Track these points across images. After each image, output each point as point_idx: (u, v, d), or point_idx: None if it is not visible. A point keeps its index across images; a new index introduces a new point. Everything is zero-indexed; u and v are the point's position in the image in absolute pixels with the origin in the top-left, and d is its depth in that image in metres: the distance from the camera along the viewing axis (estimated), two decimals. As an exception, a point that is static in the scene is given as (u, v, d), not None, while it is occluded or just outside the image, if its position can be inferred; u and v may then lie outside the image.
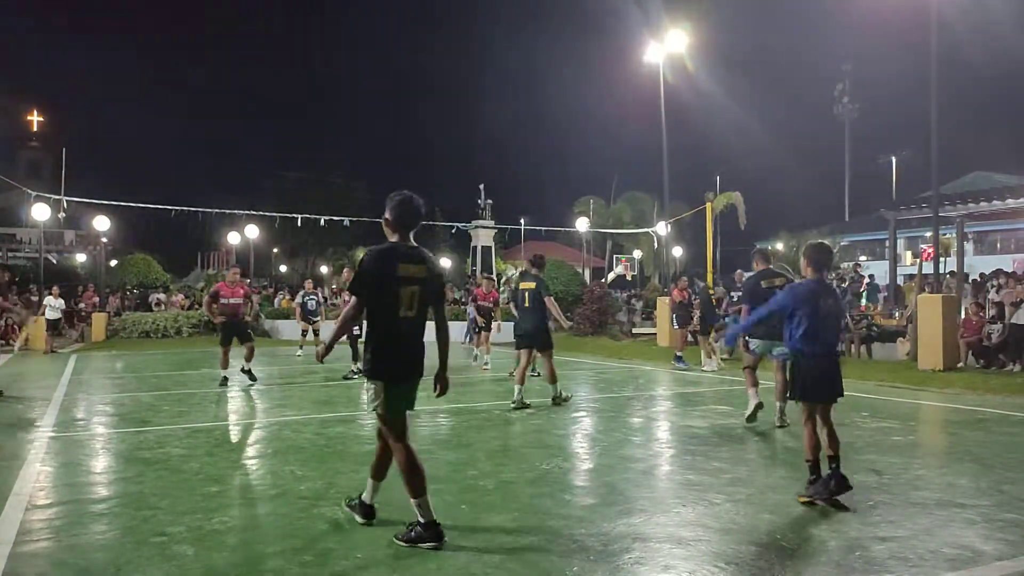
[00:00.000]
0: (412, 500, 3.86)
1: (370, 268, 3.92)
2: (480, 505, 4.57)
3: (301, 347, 16.83)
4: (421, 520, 3.84)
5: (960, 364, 12.44)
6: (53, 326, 19.14)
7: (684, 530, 4.08)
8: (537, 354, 8.99)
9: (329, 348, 4.16)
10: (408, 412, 4.00)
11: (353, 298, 4.00)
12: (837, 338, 4.87)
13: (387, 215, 4.07)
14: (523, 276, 9.16)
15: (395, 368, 3.95)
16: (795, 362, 4.76)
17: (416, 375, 4.01)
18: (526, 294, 8.97)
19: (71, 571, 3.49)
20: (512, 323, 10.01)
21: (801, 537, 3.97)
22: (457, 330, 22.40)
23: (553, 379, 8.84)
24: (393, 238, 4.04)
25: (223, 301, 10.57)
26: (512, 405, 8.52)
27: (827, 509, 4.45)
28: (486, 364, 13.41)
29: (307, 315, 16.57)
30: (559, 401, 8.81)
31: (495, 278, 24.71)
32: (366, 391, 3.97)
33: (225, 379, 10.60)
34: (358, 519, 4.17)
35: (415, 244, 4.10)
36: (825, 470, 4.62)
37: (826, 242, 5.16)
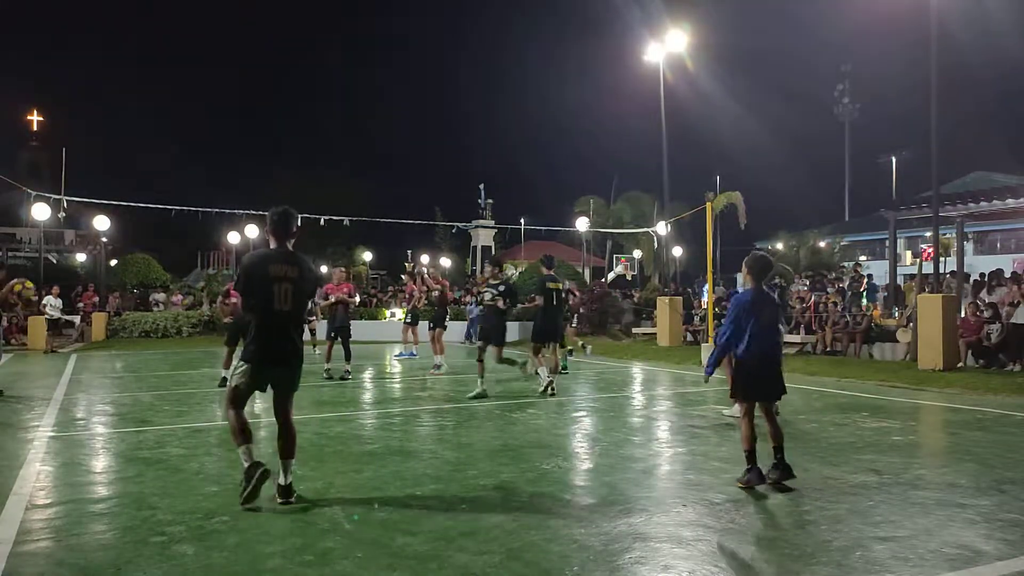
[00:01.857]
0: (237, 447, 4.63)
1: (247, 270, 4.67)
2: (480, 505, 4.57)
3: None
4: (245, 463, 4.54)
5: (960, 364, 12.45)
6: (53, 325, 19.15)
7: (684, 530, 4.08)
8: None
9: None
10: (291, 393, 4.74)
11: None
12: (776, 344, 5.20)
13: (266, 226, 4.87)
14: (550, 278, 10.02)
15: (263, 354, 4.61)
16: (736, 364, 5.14)
17: (282, 364, 4.64)
18: (554, 294, 9.90)
19: (71, 571, 3.49)
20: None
21: (801, 537, 3.97)
22: (459, 329, 22.43)
23: (556, 370, 9.93)
24: (272, 245, 4.77)
25: (232, 301, 10.65)
26: (549, 392, 9.53)
27: (827, 509, 4.46)
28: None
29: None
30: (551, 391, 9.51)
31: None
32: (238, 366, 4.71)
33: (225, 379, 10.60)
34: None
35: (291, 249, 4.80)
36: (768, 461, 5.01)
37: (766, 254, 5.44)
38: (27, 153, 54.36)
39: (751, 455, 5.01)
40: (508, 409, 8.56)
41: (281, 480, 4.59)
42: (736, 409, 7.86)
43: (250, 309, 4.70)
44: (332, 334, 12.05)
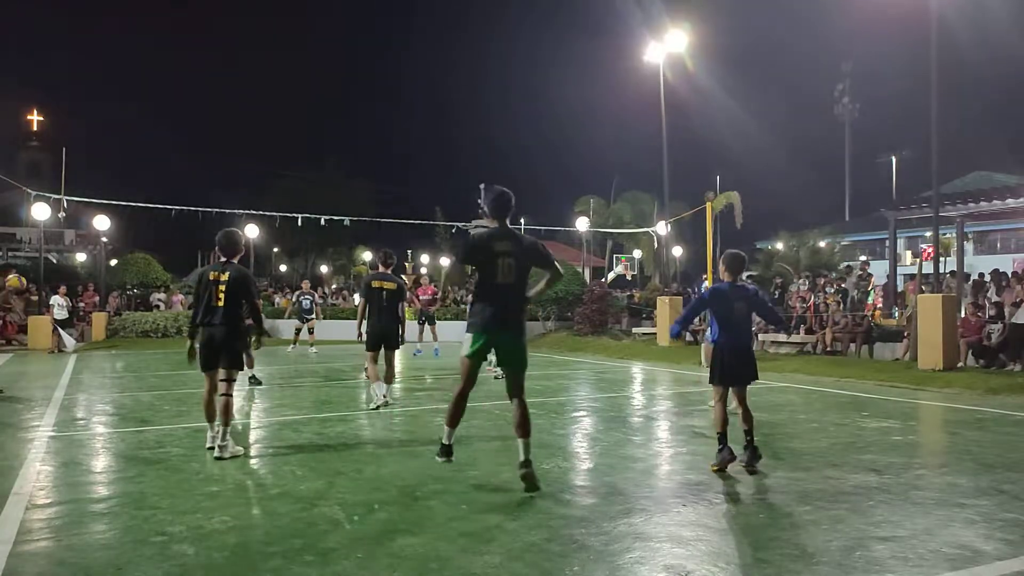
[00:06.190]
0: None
1: (472, 245, 5.05)
2: (480, 505, 4.56)
3: (296, 344, 17.11)
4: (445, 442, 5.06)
5: (960, 364, 12.44)
6: (61, 326, 19.18)
7: (684, 530, 4.08)
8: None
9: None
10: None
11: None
12: (749, 334, 5.78)
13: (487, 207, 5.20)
14: (375, 276, 9.14)
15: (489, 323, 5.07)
16: (712, 351, 5.66)
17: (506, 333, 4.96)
18: (384, 295, 9.17)
19: (71, 571, 3.49)
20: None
21: (801, 537, 3.97)
22: (459, 329, 22.43)
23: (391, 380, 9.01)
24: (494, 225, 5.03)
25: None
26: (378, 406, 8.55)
27: (827, 509, 4.45)
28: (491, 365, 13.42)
29: (303, 314, 17.45)
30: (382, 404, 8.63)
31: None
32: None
33: (255, 377, 10.77)
34: None
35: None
36: (737, 443, 5.44)
37: (740, 252, 5.82)
38: (27, 153, 54.38)
39: (723, 437, 5.42)
40: (508, 409, 8.52)
41: (520, 457, 4.83)
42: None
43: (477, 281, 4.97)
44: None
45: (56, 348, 18.34)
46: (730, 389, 5.56)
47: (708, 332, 8.29)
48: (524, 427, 4.87)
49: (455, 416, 5.00)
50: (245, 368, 10.74)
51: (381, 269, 8.83)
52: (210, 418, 6.04)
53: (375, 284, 8.58)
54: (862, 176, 60.11)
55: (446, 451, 5.06)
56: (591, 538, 3.93)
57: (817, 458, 5.90)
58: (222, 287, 5.99)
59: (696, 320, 19.82)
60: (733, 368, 5.47)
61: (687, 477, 5.33)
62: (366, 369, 11.87)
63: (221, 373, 6.01)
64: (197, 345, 6.07)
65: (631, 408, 9.21)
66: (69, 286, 24.34)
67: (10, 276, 17.61)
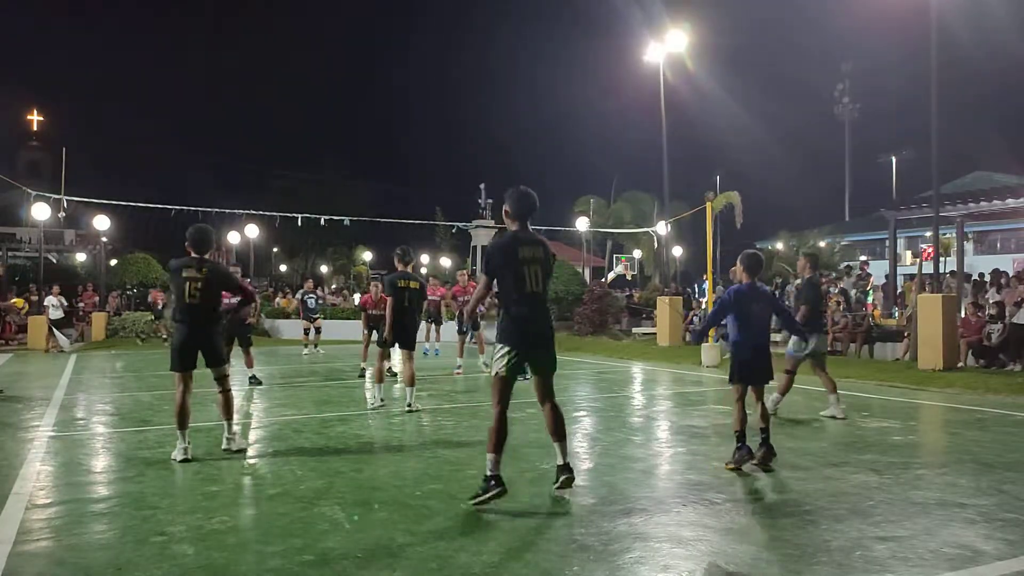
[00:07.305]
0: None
1: (497, 250, 4.76)
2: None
3: (308, 346, 17.05)
4: (489, 472, 4.57)
5: (960, 364, 12.44)
6: (57, 326, 19.16)
7: (684, 530, 4.08)
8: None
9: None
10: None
11: None
12: (767, 334, 5.79)
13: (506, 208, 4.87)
14: (402, 275, 8.77)
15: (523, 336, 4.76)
16: (731, 352, 5.70)
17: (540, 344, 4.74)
18: (406, 294, 8.68)
19: (71, 571, 3.49)
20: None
21: (801, 537, 3.97)
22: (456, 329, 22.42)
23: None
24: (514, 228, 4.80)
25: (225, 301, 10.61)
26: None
27: (827, 509, 4.46)
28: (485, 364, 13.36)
29: (308, 313, 17.34)
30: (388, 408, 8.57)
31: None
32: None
33: (255, 376, 10.80)
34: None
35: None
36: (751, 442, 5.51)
37: (759, 252, 5.89)
38: (27, 153, 54.36)
39: (741, 435, 5.47)
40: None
41: (559, 461, 4.70)
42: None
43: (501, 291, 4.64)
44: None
45: (54, 348, 18.32)
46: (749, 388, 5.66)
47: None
48: (560, 431, 4.72)
49: (499, 441, 4.57)
50: (231, 361, 10.75)
51: (401, 268, 8.58)
52: (182, 424, 5.74)
53: (401, 284, 8.33)
54: (862, 176, 60.19)
55: (490, 483, 4.46)
56: (591, 538, 3.93)
57: (817, 458, 5.90)
58: (199, 284, 5.81)
59: (696, 320, 19.78)
60: (752, 368, 5.57)
61: (687, 477, 5.33)
62: (362, 370, 11.85)
63: (212, 373, 6.03)
64: (171, 341, 5.96)
65: (631, 408, 9.20)
66: (69, 286, 24.34)
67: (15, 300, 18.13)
